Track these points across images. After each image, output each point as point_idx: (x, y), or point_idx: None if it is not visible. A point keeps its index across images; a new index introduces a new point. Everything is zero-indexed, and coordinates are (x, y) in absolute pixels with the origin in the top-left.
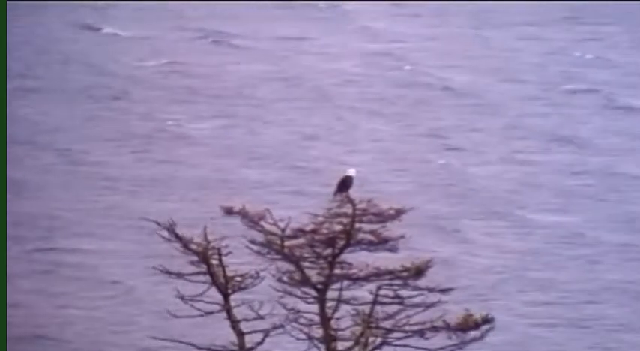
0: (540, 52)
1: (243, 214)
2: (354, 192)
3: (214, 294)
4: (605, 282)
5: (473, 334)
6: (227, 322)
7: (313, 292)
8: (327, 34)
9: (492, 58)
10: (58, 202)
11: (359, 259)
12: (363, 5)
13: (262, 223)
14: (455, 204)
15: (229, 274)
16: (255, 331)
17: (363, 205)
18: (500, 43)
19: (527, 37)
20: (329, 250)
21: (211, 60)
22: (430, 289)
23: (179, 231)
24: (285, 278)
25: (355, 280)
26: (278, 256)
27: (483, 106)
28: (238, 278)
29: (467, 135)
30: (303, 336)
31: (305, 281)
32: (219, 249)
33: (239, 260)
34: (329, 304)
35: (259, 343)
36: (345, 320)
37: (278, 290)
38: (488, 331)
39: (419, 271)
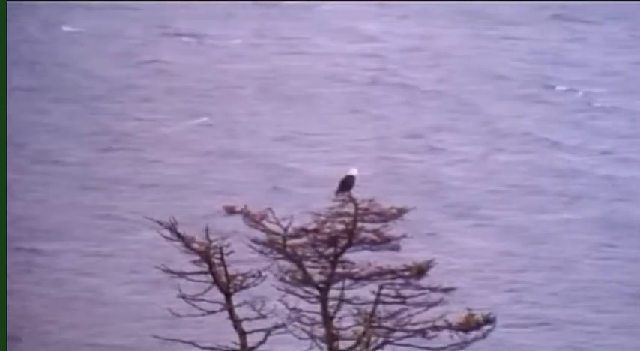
0: (525, 52)
1: (245, 214)
2: (328, 193)
3: (216, 293)
4: (582, 282)
5: (474, 333)
6: (229, 322)
7: (315, 292)
8: (309, 34)
9: (477, 58)
10: (37, 202)
11: (361, 258)
12: (346, 5)
13: (264, 222)
14: (432, 205)
15: (231, 273)
16: (257, 331)
17: (364, 205)
18: (486, 42)
19: (513, 36)
20: (331, 250)
21: (193, 60)
22: (432, 289)
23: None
24: (287, 277)
25: (357, 279)
26: (280, 255)
27: (464, 106)
28: (240, 277)
29: (447, 135)
30: (305, 335)
31: (307, 280)
32: (220, 248)
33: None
34: (331, 303)
35: (261, 343)
36: (347, 319)
37: (280, 289)
38: (489, 330)
39: (421, 271)
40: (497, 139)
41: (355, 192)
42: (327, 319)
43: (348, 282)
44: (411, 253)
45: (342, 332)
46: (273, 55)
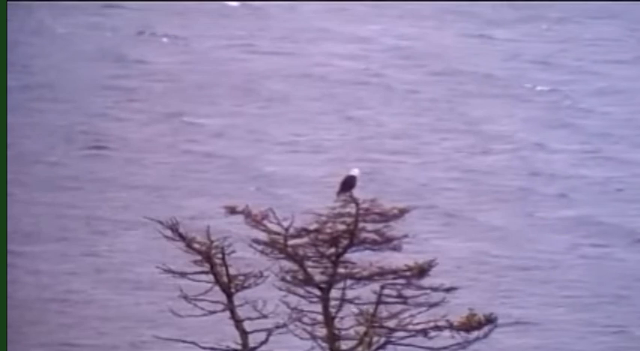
0: (511, 53)
1: (247, 214)
2: (313, 193)
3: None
4: (564, 282)
5: (476, 333)
6: (229, 322)
7: (317, 292)
8: (293, 34)
9: (464, 58)
10: (18, 202)
11: (362, 258)
12: (332, 5)
13: (265, 222)
14: (414, 206)
15: (232, 273)
16: (258, 331)
17: (366, 205)
18: (473, 43)
19: (500, 37)
20: (332, 250)
21: (178, 60)
22: (434, 289)
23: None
24: (288, 278)
25: (358, 279)
26: (281, 256)
27: (448, 107)
28: (241, 277)
29: (430, 136)
30: (306, 335)
31: (308, 281)
32: (222, 248)
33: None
34: (332, 303)
35: (263, 343)
36: (348, 320)
37: (281, 290)
38: (491, 330)
39: (422, 271)
40: (480, 140)
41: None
42: (329, 319)
43: (349, 282)
44: (392, 255)
45: (343, 332)
46: (256, 55)
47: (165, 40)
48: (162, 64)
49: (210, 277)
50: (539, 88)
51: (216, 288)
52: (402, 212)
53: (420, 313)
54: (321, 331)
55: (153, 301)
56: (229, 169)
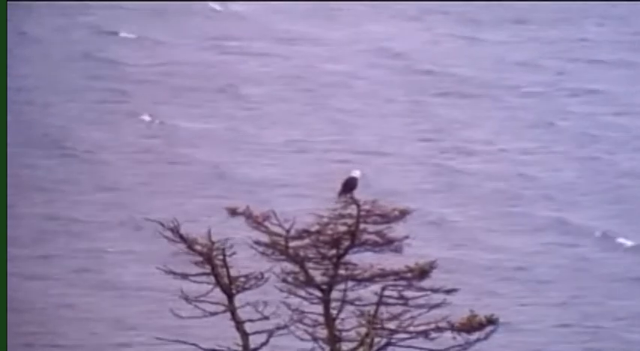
0: (497, 55)
1: (248, 215)
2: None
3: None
4: (544, 284)
5: (477, 334)
6: (230, 323)
7: (318, 293)
8: (271, 36)
9: (446, 60)
10: None
11: (363, 260)
12: (310, 5)
13: (267, 223)
14: None
15: (233, 274)
16: (259, 332)
17: (367, 206)
18: (459, 45)
19: (485, 38)
20: (333, 251)
21: (153, 62)
22: (434, 290)
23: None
24: (289, 279)
25: (360, 280)
26: (282, 257)
27: (428, 111)
28: (242, 279)
29: (407, 139)
30: (307, 337)
31: (309, 282)
32: (223, 250)
33: None
34: (333, 304)
35: (264, 344)
36: (349, 321)
37: (282, 291)
38: (492, 331)
39: (423, 272)
40: (463, 142)
41: (318, 197)
42: (330, 320)
43: (350, 283)
44: (372, 260)
45: (344, 334)
46: (239, 57)
47: (147, 42)
48: (143, 66)
49: (211, 279)
50: (522, 89)
51: (217, 289)
52: (403, 214)
53: (420, 314)
54: (322, 333)
55: (150, 302)
56: (211, 172)
